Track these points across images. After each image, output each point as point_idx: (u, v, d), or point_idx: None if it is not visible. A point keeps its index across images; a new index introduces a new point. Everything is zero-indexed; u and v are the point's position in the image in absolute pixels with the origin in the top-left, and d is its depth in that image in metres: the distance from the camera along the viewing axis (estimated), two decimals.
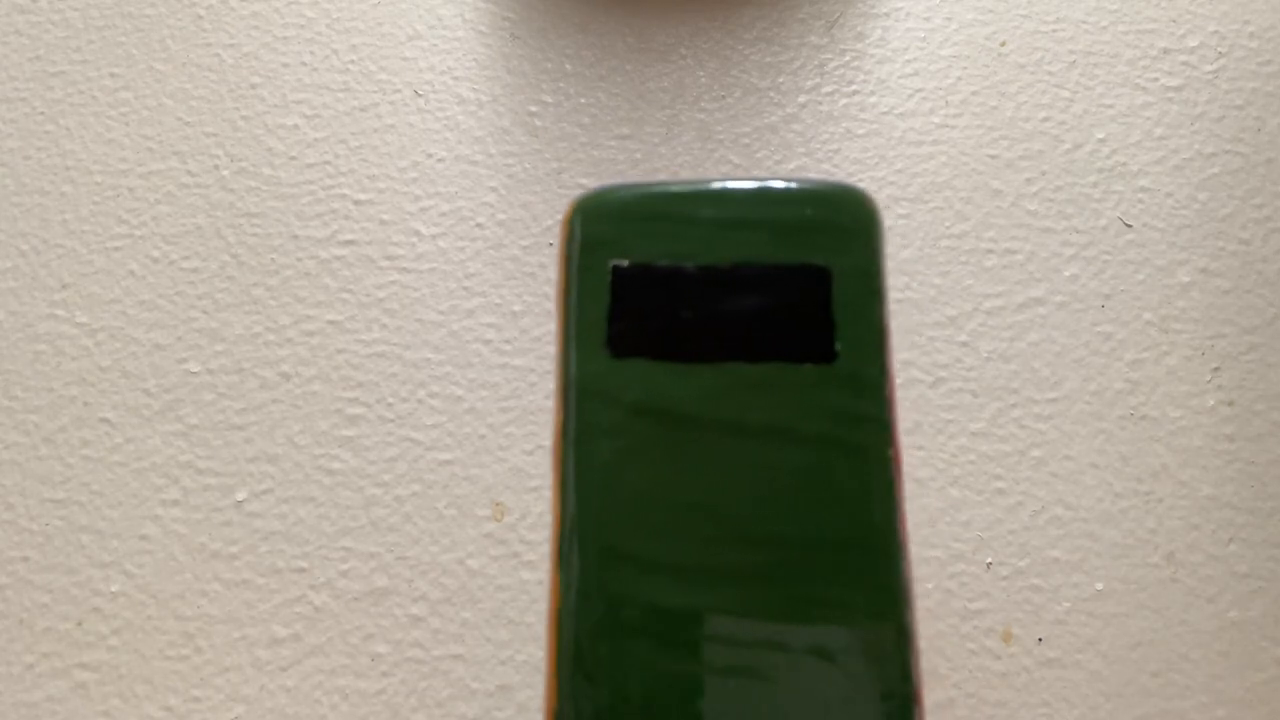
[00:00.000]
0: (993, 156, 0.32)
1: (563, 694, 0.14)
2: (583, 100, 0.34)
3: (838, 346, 0.15)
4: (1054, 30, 0.34)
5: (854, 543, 0.14)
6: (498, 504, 0.28)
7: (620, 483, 0.15)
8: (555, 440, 0.16)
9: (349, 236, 0.32)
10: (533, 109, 0.34)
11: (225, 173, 0.33)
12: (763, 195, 0.16)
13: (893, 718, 0.13)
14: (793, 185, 0.16)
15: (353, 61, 0.35)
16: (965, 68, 0.34)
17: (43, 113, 0.34)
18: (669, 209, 0.17)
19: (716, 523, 0.15)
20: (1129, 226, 0.31)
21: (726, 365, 0.15)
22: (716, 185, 0.17)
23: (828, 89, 0.34)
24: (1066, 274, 0.30)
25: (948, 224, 0.31)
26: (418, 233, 0.32)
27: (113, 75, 0.35)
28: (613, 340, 0.16)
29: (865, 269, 0.16)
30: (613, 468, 0.15)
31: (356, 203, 0.32)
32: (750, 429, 0.15)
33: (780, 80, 0.34)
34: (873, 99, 0.33)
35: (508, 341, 0.30)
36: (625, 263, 0.16)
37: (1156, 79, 0.33)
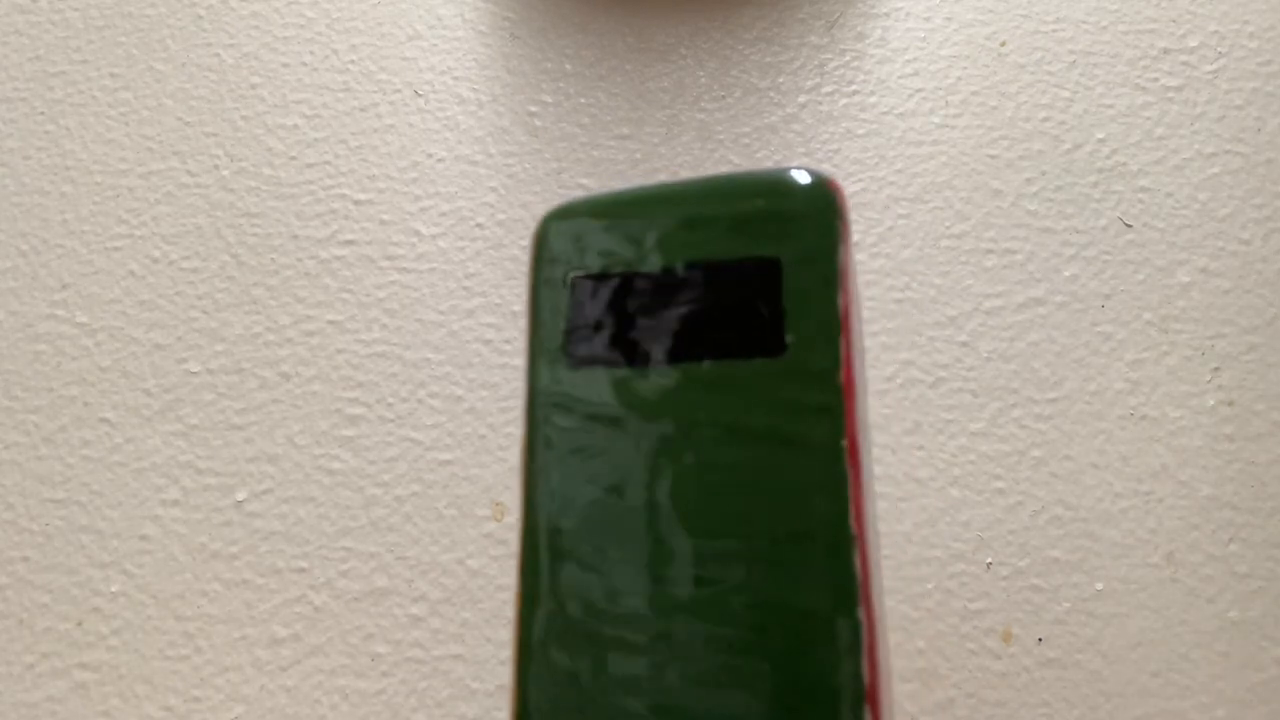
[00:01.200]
0: (993, 156, 0.32)
1: (521, 698, 0.15)
2: (583, 100, 0.34)
3: (788, 338, 0.15)
4: (1054, 30, 0.34)
5: (802, 539, 0.14)
6: (498, 504, 0.28)
7: (576, 490, 0.16)
8: (521, 451, 0.16)
9: (349, 236, 0.32)
10: (533, 109, 0.34)
11: (225, 173, 0.33)
12: (715, 190, 0.16)
13: (842, 717, 0.13)
14: (746, 177, 0.16)
15: (353, 61, 0.35)
16: (965, 68, 0.34)
17: (43, 113, 0.34)
18: (626, 215, 0.17)
19: (667, 526, 0.15)
20: (1129, 226, 0.31)
21: (678, 367, 0.15)
22: (671, 185, 0.17)
23: (828, 89, 0.34)
24: (1066, 274, 0.30)
25: (948, 224, 0.31)
26: (418, 233, 0.32)
27: (113, 75, 0.35)
28: (570, 351, 0.16)
29: (819, 255, 0.15)
30: (569, 476, 0.16)
31: (356, 203, 0.32)
32: (700, 429, 0.15)
33: (780, 80, 0.34)
34: (873, 99, 0.33)
35: (508, 341, 0.30)
36: (582, 273, 0.17)
37: (1156, 79, 0.33)
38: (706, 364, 0.15)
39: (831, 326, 0.15)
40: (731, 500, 0.14)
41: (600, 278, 0.17)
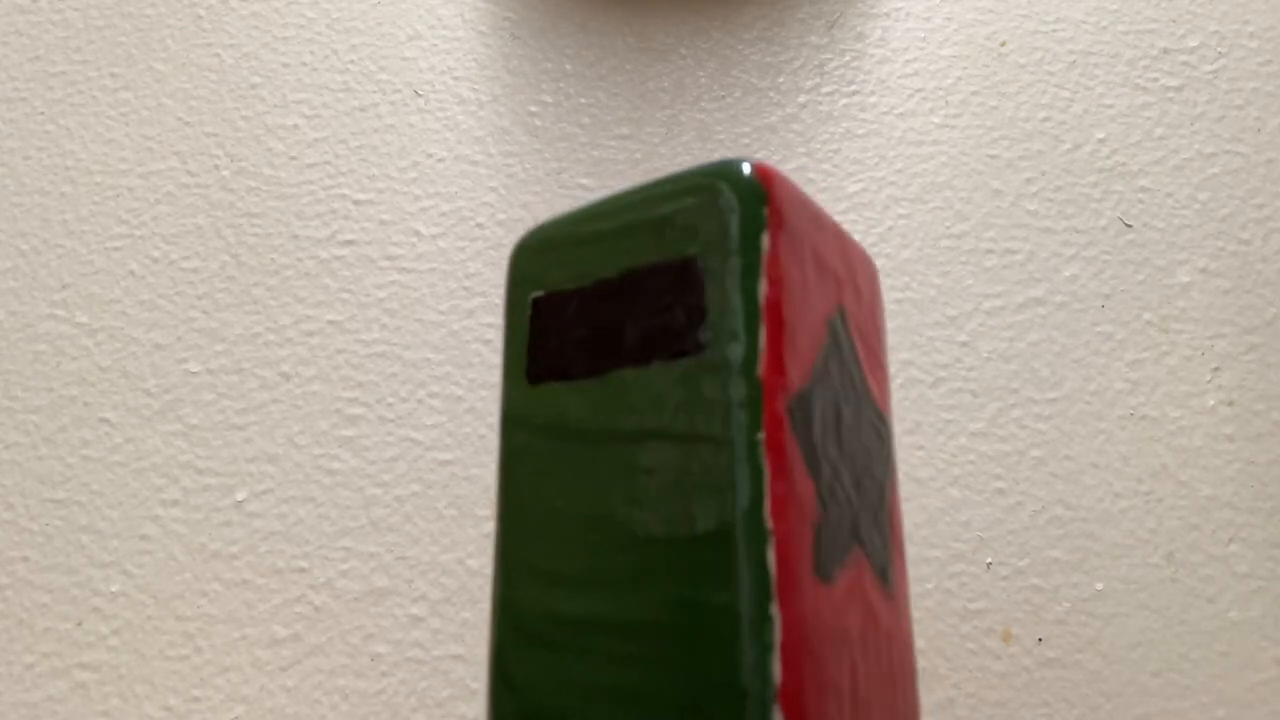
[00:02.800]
0: (993, 156, 0.32)
1: (490, 703, 0.16)
2: (583, 100, 0.34)
3: (706, 335, 0.15)
4: (1054, 30, 0.34)
5: (719, 536, 0.14)
6: None
7: (532, 502, 0.16)
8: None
9: (349, 236, 0.32)
10: (533, 109, 0.34)
11: (225, 173, 0.33)
12: (647, 196, 0.16)
13: (748, 717, 0.13)
14: (677, 176, 0.16)
15: (353, 61, 0.35)
16: (965, 68, 0.34)
17: (43, 113, 0.34)
18: (575, 232, 0.17)
19: (604, 531, 0.15)
20: (1129, 226, 0.31)
21: (614, 375, 0.16)
22: (616, 196, 0.17)
23: (828, 89, 0.34)
24: (1066, 274, 0.30)
25: (948, 224, 0.31)
26: (418, 233, 0.32)
27: (113, 75, 0.35)
28: (529, 369, 0.17)
29: (740, 246, 0.15)
30: (527, 489, 0.16)
31: (356, 203, 0.32)
32: (631, 434, 0.15)
33: (780, 80, 0.34)
34: (873, 99, 0.33)
35: None
36: (540, 293, 0.17)
37: (1156, 79, 0.33)
38: (636, 370, 0.15)
39: (751, 318, 0.14)
40: (659, 503, 0.15)
41: (554, 296, 0.17)
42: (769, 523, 0.13)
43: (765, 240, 0.15)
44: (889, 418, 0.18)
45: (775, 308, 0.15)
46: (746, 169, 0.15)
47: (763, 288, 0.15)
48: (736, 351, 0.14)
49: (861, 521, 0.16)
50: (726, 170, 0.15)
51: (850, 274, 0.17)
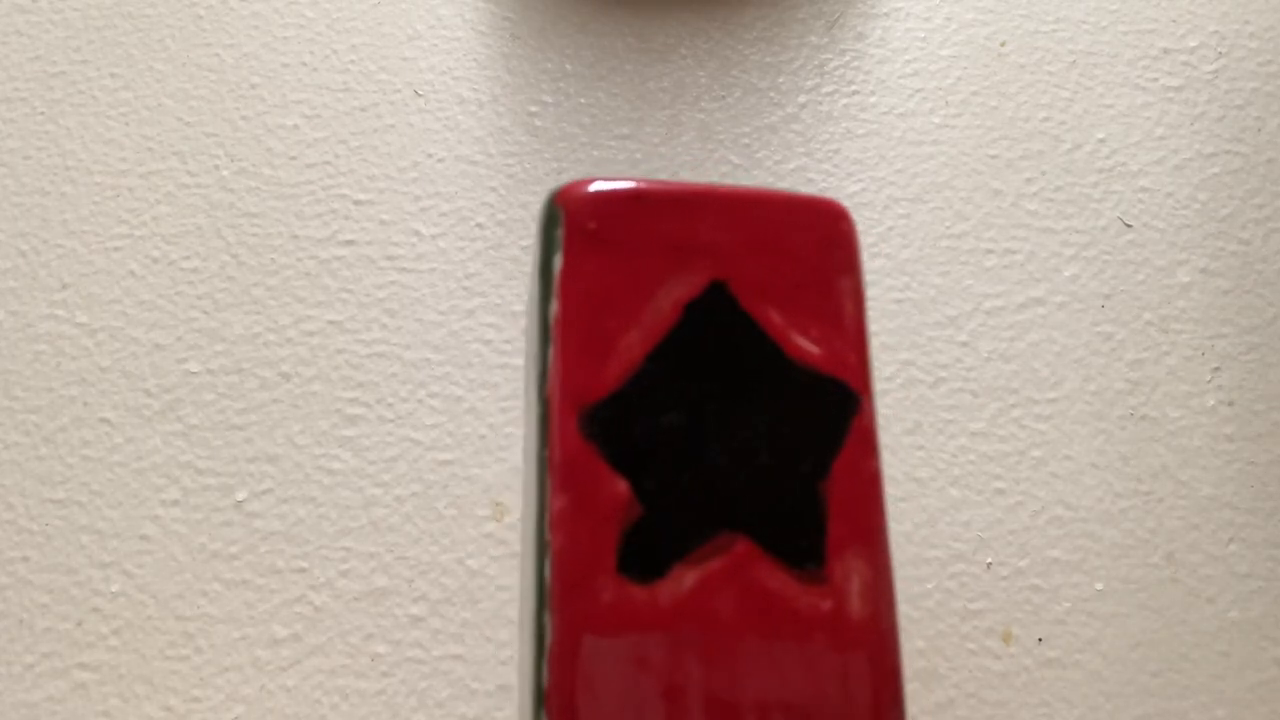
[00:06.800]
0: (993, 156, 0.32)
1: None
2: (583, 100, 0.34)
3: (549, 357, 0.15)
4: (1054, 30, 0.34)
5: (529, 552, 0.15)
6: (498, 504, 0.28)
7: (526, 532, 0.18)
8: None
9: (349, 236, 0.32)
10: (533, 109, 0.34)
11: (225, 173, 0.33)
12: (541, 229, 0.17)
13: (525, 716, 0.13)
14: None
15: (353, 61, 0.35)
16: (965, 68, 0.34)
17: (43, 113, 0.34)
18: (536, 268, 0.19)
19: (530, 553, 0.16)
20: (1129, 226, 0.31)
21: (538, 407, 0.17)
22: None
23: (828, 89, 0.34)
24: (1066, 274, 0.30)
25: (948, 224, 0.31)
26: (418, 233, 0.32)
27: (113, 75, 0.35)
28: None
29: (543, 268, 0.15)
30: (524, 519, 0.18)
31: (356, 203, 0.32)
32: (538, 464, 0.16)
33: (780, 80, 0.34)
34: (873, 99, 0.33)
35: (508, 341, 0.30)
36: None
37: (1156, 79, 0.33)
38: (536, 404, 0.17)
39: (543, 339, 0.15)
40: (531, 526, 0.15)
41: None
42: (547, 535, 0.14)
43: (558, 261, 0.15)
44: (846, 378, 0.16)
45: (565, 325, 0.15)
46: (552, 194, 0.16)
47: (554, 309, 0.15)
48: (534, 374, 0.15)
49: (754, 505, 0.15)
50: (548, 197, 0.16)
51: (750, 240, 0.16)
